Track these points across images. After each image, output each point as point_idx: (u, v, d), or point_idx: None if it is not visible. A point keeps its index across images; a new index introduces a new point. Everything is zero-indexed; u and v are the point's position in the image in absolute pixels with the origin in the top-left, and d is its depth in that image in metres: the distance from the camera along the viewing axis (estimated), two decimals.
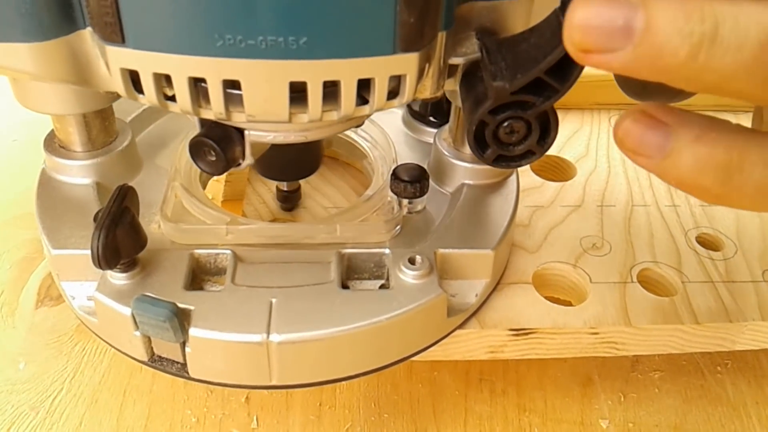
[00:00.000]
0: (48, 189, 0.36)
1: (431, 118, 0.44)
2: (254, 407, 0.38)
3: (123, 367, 0.40)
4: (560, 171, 0.50)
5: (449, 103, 0.43)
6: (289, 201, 0.41)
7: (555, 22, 0.26)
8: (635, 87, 0.37)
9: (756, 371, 0.42)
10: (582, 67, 0.26)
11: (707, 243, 0.43)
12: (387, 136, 0.42)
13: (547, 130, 0.29)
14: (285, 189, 0.41)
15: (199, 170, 0.38)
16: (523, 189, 0.42)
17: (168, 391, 0.39)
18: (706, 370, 0.42)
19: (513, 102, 0.28)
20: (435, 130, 0.43)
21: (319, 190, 0.43)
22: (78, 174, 0.37)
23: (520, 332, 0.36)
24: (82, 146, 0.37)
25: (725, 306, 0.38)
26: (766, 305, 0.38)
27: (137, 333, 0.30)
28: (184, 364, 0.31)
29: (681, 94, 0.30)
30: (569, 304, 0.38)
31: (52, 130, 0.37)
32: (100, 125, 0.36)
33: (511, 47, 0.28)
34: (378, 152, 0.42)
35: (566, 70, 0.26)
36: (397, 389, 0.40)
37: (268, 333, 0.29)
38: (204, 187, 0.39)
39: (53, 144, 0.37)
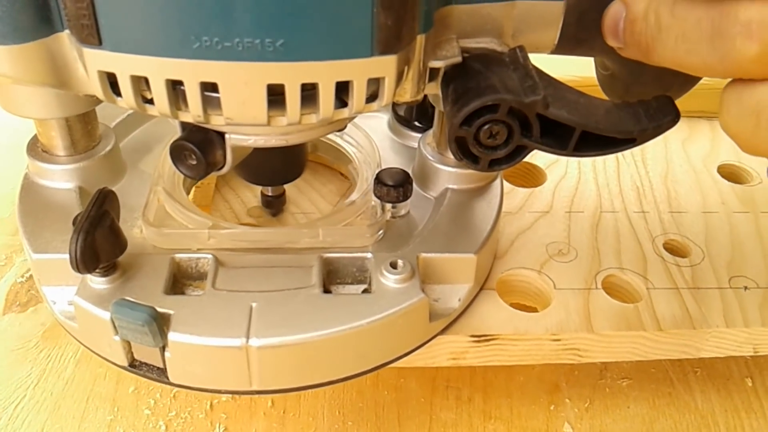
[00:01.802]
0: (30, 193, 0.36)
1: (416, 123, 0.44)
2: (218, 414, 0.38)
3: (87, 374, 0.39)
4: (531, 177, 0.50)
5: (434, 107, 0.43)
6: (274, 206, 0.41)
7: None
8: (618, 90, 0.37)
9: (726, 379, 0.42)
10: None
11: (675, 249, 0.43)
12: (372, 140, 0.42)
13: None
14: (269, 194, 0.41)
15: (182, 175, 0.38)
16: None
17: (131, 398, 0.38)
18: (675, 378, 0.42)
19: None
20: (420, 135, 0.43)
21: (304, 195, 0.43)
22: (61, 178, 0.36)
23: (481, 339, 0.35)
24: (64, 150, 0.36)
25: (689, 313, 0.37)
26: (731, 312, 0.38)
27: (117, 338, 0.30)
28: (164, 369, 0.31)
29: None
30: (534, 310, 0.38)
31: (36, 135, 0.37)
32: (83, 129, 0.36)
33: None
34: (362, 157, 0.42)
35: None
36: (363, 396, 0.39)
37: (248, 337, 0.29)
38: (188, 192, 0.39)
39: (36, 148, 0.37)
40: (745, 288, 0.39)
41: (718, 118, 0.27)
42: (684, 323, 0.37)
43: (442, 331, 0.35)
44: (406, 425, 0.38)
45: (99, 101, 0.35)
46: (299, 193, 0.44)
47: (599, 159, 0.51)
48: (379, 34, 0.26)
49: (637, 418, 0.39)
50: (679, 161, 0.51)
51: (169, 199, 0.36)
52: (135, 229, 0.35)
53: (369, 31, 0.25)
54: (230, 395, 0.38)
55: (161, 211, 0.36)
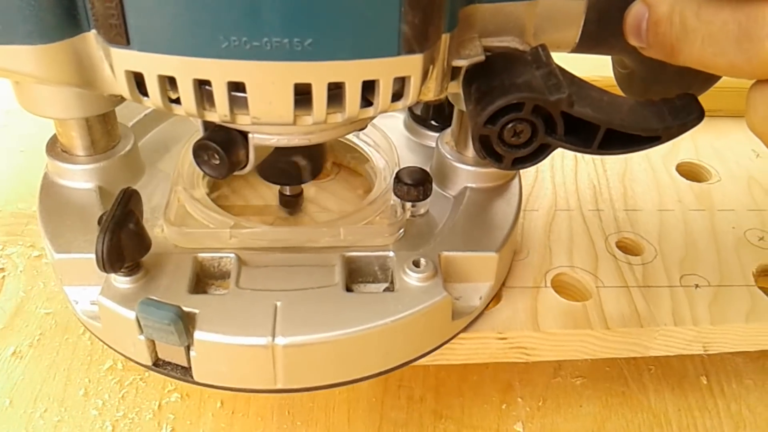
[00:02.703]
0: (50, 193, 0.36)
1: (433, 122, 0.44)
2: (166, 415, 0.38)
3: (36, 374, 0.39)
4: None
5: (451, 106, 0.43)
6: (292, 205, 0.41)
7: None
8: (638, 88, 0.37)
9: (681, 377, 0.41)
10: None
11: (627, 248, 0.43)
12: (389, 140, 0.42)
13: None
14: (288, 193, 0.41)
15: (201, 174, 0.39)
16: None
17: (80, 400, 0.38)
18: (629, 377, 0.41)
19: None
20: (436, 134, 0.43)
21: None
22: (80, 178, 0.36)
23: None
24: (84, 150, 0.37)
25: (638, 311, 0.38)
26: (680, 310, 0.38)
27: (141, 337, 0.30)
28: (189, 368, 0.31)
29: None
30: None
31: (55, 135, 0.37)
32: (103, 129, 0.36)
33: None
34: (380, 156, 0.42)
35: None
36: (314, 396, 0.39)
37: (274, 336, 0.29)
38: (210, 191, 0.39)
39: (56, 148, 0.37)
40: (696, 286, 0.40)
41: (745, 117, 0.27)
42: (632, 321, 0.37)
43: (464, 329, 0.35)
44: (355, 426, 0.38)
45: (120, 101, 0.35)
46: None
47: (557, 158, 0.51)
48: (405, 33, 0.26)
49: (589, 417, 0.39)
50: (638, 159, 0.51)
51: (189, 198, 0.36)
52: (156, 228, 0.35)
53: (396, 30, 0.25)
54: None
55: (181, 211, 0.36)
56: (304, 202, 0.42)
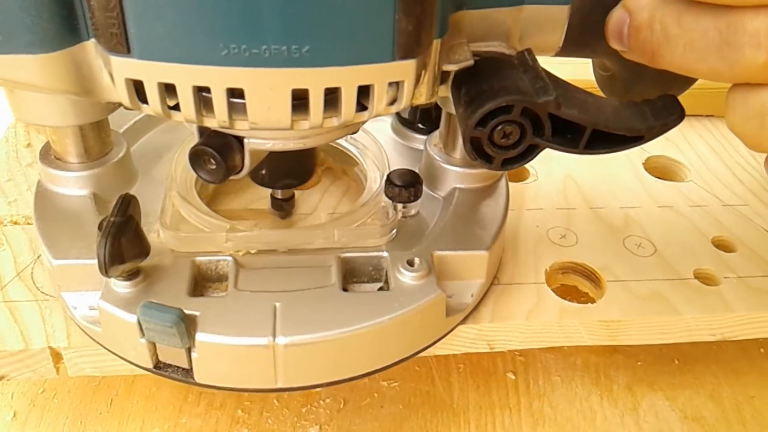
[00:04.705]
0: (45, 201, 0.37)
1: (420, 125, 0.45)
2: None
3: None
4: None
5: (437, 109, 0.44)
6: (284, 208, 0.42)
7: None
8: (619, 90, 0.38)
9: (488, 375, 0.41)
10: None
11: None
12: (378, 143, 0.42)
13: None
14: (279, 197, 0.42)
15: (194, 179, 0.39)
16: None
17: None
18: (437, 376, 0.41)
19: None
20: (423, 137, 0.44)
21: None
22: (74, 185, 0.37)
23: None
24: (78, 158, 0.37)
25: None
26: None
27: (143, 340, 0.31)
28: (189, 370, 0.31)
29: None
30: None
31: (48, 142, 0.37)
32: (96, 137, 0.37)
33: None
34: (369, 159, 0.42)
35: None
36: (115, 405, 0.38)
37: (274, 336, 0.30)
38: (201, 196, 0.40)
39: (49, 156, 0.37)
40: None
41: (725, 118, 0.28)
42: None
43: (459, 324, 0.36)
44: None
45: (114, 109, 0.36)
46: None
47: None
48: (400, 40, 0.26)
49: (388, 418, 0.38)
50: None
51: (183, 203, 0.36)
52: (152, 233, 0.35)
53: (391, 37, 0.26)
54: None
55: (177, 216, 0.36)
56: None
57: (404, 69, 0.28)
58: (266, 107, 0.27)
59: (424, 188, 0.39)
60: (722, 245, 0.44)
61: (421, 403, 0.39)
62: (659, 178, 0.51)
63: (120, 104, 0.33)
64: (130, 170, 0.39)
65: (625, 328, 0.38)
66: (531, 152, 0.31)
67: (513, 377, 0.41)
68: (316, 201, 0.43)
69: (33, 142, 0.50)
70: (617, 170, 0.51)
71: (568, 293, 0.40)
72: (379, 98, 0.28)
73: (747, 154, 0.54)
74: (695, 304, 0.39)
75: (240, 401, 0.39)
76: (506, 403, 0.40)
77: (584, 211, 0.46)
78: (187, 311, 0.30)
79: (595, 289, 0.41)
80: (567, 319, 0.37)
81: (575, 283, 0.42)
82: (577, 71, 0.40)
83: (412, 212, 0.38)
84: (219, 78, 0.26)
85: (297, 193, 0.43)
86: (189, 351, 0.31)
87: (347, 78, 0.27)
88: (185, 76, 0.26)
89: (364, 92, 0.28)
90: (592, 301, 0.39)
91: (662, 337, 0.39)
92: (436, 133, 0.41)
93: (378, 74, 0.27)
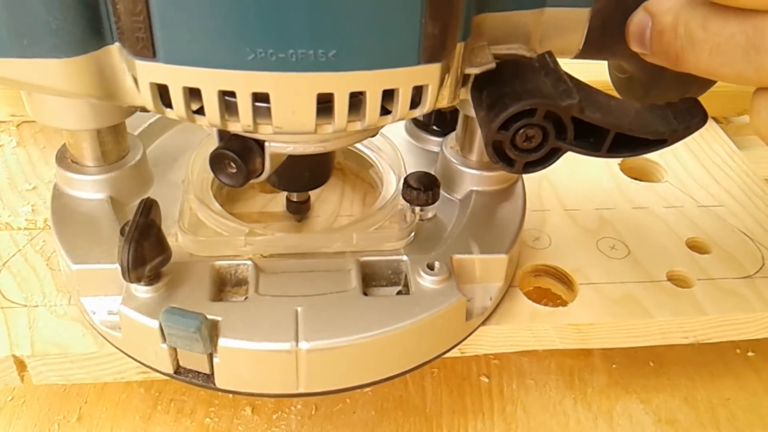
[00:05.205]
0: (62, 204, 0.36)
1: (434, 127, 0.45)
2: None
3: None
4: None
5: (452, 112, 0.44)
6: (299, 211, 0.42)
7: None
8: (637, 92, 0.38)
9: (462, 379, 0.41)
10: None
11: None
12: (394, 145, 0.42)
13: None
14: (295, 199, 0.42)
15: (210, 182, 0.39)
16: None
17: None
18: (410, 380, 0.40)
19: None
20: (437, 139, 0.44)
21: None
22: (91, 189, 0.37)
23: None
24: (95, 161, 0.37)
25: None
26: None
27: (164, 345, 0.30)
28: (210, 375, 0.31)
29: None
30: None
31: (64, 145, 0.37)
32: (114, 140, 0.37)
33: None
34: (385, 161, 0.42)
35: None
36: (84, 412, 0.38)
37: (297, 341, 0.30)
38: (219, 200, 0.39)
39: (65, 159, 0.37)
40: None
41: (750, 121, 0.28)
42: None
43: (476, 329, 0.35)
44: None
45: (132, 112, 0.36)
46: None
47: None
48: (426, 43, 0.26)
49: (360, 424, 0.38)
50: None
51: (201, 206, 0.36)
52: (170, 237, 0.35)
53: (417, 41, 0.26)
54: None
55: (194, 219, 0.36)
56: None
57: (429, 73, 0.27)
58: (291, 111, 0.27)
59: (441, 191, 0.39)
60: (697, 247, 0.44)
61: (394, 408, 0.39)
62: (635, 179, 0.50)
63: (139, 108, 0.33)
64: (147, 174, 0.39)
65: (596, 331, 0.38)
66: (553, 155, 0.31)
67: (487, 381, 0.41)
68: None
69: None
70: (593, 172, 0.50)
71: (544, 296, 0.40)
72: (403, 102, 0.28)
73: (724, 154, 0.54)
74: (667, 307, 0.38)
75: (210, 409, 0.38)
76: (479, 408, 0.39)
77: (559, 213, 0.46)
78: (209, 316, 0.30)
79: (567, 291, 0.40)
80: (538, 322, 0.37)
81: (549, 285, 0.41)
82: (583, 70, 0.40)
83: (429, 215, 0.38)
84: (245, 82, 0.26)
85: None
86: (210, 356, 0.30)
87: (373, 82, 0.27)
88: (211, 81, 0.26)
89: (387, 96, 0.28)
90: (566, 304, 0.39)
91: (635, 340, 0.39)
92: (453, 135, 0.41)
93: (403, 78, 0.27)
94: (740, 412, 0.40)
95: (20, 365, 0.34)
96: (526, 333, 0.37)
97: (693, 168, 0.52)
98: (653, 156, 0.52)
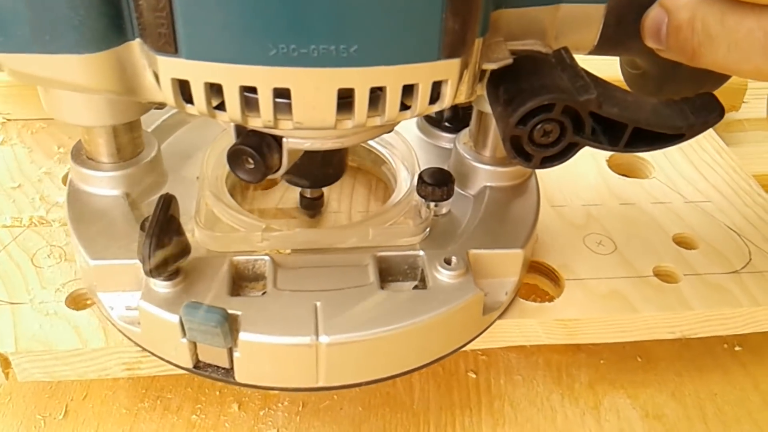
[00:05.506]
0: (78, 201, 0.37)
1: (446, 123, 0.45)
2: None
3: None
4: None
5: (464, 108, 0.44)
6: (313, 207, 0.42)
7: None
8: (650, 88, 0.38)
9: (450, 375, 0.41)
10: None
11: None
12: (407, 141, 0.42)
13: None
14: (309, 195, 0.42)
15: (224, 178, 0.39)
16: None
17: None
18: (398, 378, 0.38)
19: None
20: (449, 135, 0.45)
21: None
22: (107, 185, 0.37)
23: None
24: (110, 158, 0.37)
25: None
26: None
27: (184, 340, 0.31)
28: (230, 370, 0.31)
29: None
30: None
31: (79, 141, 0.37)
32: (129, 137, 0.37)
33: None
34: (398, 158, 0.42)
35: None
36: (70, 409, 0.37)
37: (317, 335, 0.30)
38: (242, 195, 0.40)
39: (81, 155, 0.37)
40: None
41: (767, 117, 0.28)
42: None
43: (493, 323, 0.36)
44: None
45: (148, 109, 0.36)
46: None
47: None
48: (446, 39, 0.26)
49: (347, 420, 0.38)
50: None
51: (217, 202, 0.36)
52: (186, 233, 0.35)
53: (437, 36, 0.26)
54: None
55: (210, 215, 0.36)
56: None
57: (449, 68, 0.28)
58: (312, 107, 0.27)
59: (455, 187, 0.39)
60: (684, 242, 0.44)
61: (381, 405, 0.39)
62: (623, 175, 0.50)
63: (156, 104, 0.33)
64: (161, 170, 0.39)
65: (582, 326, 0.38)
66: (570, 150, 0.32)
67: (474, 376, 0.40)
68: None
69: None
70: (581, 168, 0.50)
71: (531, 292, 0.40)
72: (423, 97, 0.28)
73: (712, 151, 0.54)
74: (654, 302, 0.38)
75: (196, 405, 0.38)
76: (467, 403, 0.39)
77: (546, 209, 0.45)
78: (229, 311, 0.30)
79: (554, 287, 0.40)
80: (524, 318, 0.37)
81: (536, 281, 0.41)
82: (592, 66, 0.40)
83: (443, 211, 0.38)
84: (266, 78, 0.26)
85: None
86: (230, 351, 0.31)
87: (393, 77, 0.27)
88: (232, 76, 0.26)
89: (407, 91, 0.28)
90: (553, 299, 0.39)
91: (621, 335, 0.39)
92: (466, 131, 0.41)
93: (423, 73, 0.27)
94: (728, 406, 0.40)
95: (5, 362, 0.34)
96: (513, 329, 0.37)
97: (681, 164, 0.52)
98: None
